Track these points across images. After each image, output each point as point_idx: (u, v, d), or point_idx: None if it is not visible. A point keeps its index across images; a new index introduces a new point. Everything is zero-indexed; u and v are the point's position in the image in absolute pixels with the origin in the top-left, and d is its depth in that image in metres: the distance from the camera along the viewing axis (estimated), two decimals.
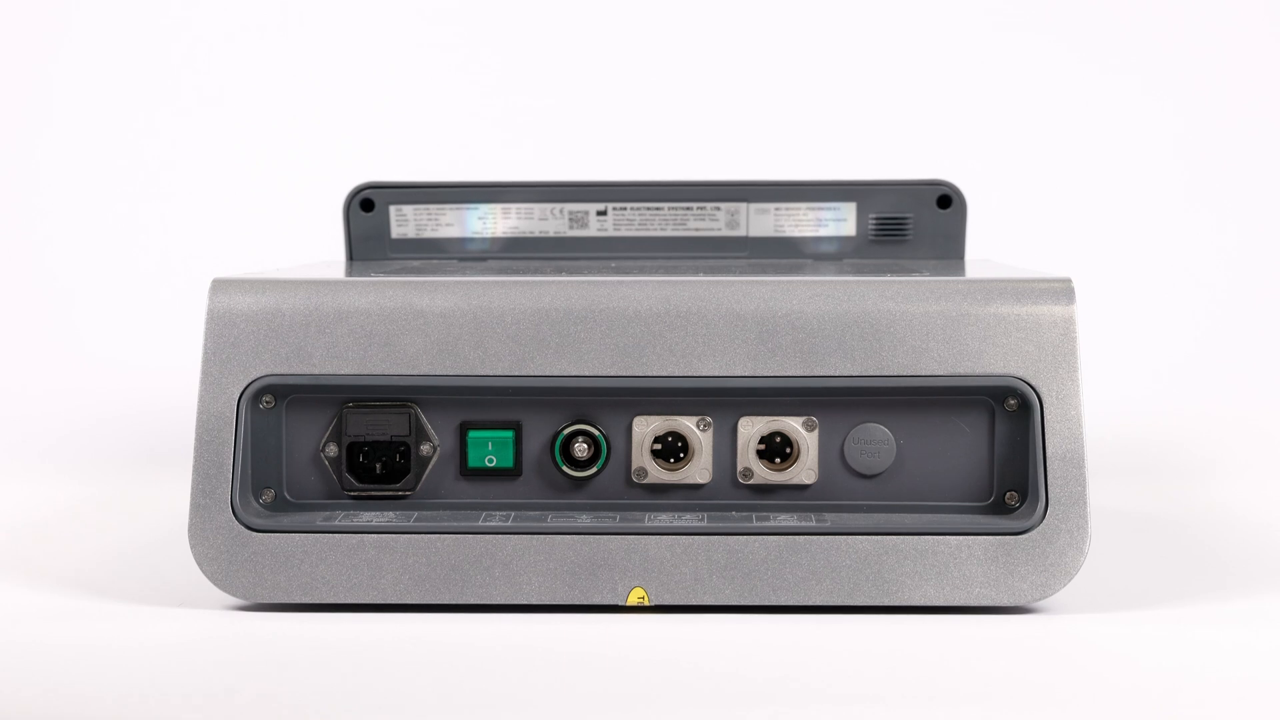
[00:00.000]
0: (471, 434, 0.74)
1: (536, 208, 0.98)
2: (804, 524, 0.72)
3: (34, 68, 1.41)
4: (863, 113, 1.40)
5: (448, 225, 0.99)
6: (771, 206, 0.98)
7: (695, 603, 0.72)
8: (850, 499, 0.74)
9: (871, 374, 0.72)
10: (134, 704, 0.60)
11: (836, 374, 0.72)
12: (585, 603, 0.72)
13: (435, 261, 0.96)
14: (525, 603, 0.72)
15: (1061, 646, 0.67)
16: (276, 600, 0.72)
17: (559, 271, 0.81)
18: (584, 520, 0.72)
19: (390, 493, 0.74)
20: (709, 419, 0.73)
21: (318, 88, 1.42)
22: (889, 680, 0.63)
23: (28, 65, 1.41)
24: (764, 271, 0.81)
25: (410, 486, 0.74)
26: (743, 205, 0.98)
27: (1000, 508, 0.73)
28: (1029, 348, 0.72)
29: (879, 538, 0.71)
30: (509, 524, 0.72)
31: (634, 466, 0.73)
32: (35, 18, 1.41)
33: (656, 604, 0.72)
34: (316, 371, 0.72)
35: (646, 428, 0.73)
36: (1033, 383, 0.72)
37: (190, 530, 0.72)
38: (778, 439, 0.73)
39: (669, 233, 0.98)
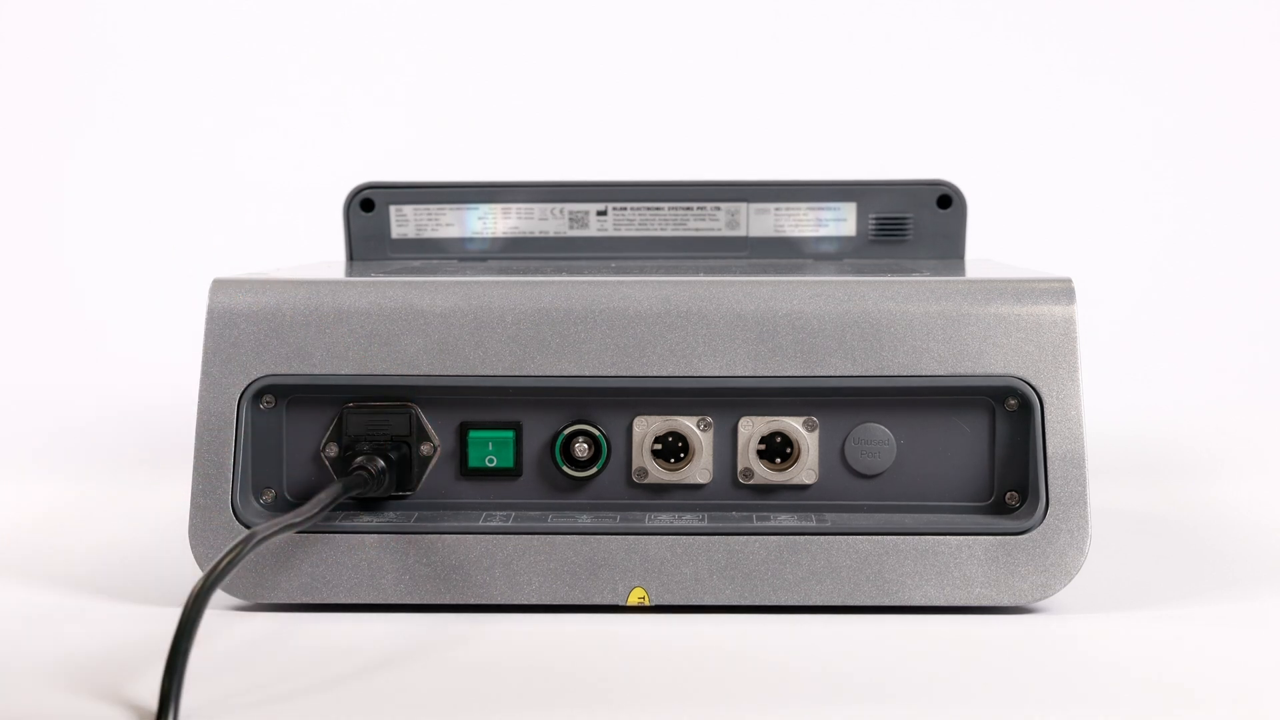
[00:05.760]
0: (471, 434, 0.74)
1: (536, 208, 0.98)
2: (804, 524, 0.72)
3: (34, 71, 1.41)
4: (863, 113, 1.40)
5: (448, 225, 0.98)
6: (771, 206, 0.98)
7: (695, 603, 0.72)
8: (850, 499, 0.74)
9: (871, 374, 0.72)
10: (134, 704, 0.60)
11: (836, 374, 0.72)
12: (585, 603, 0.72)
13: (435, 261, 0.96)
14: (525, 603, 0.72)
15: (1061, 646, 0.67)
16: (276, 600, 0.72)
17: (559, 271, 0.81)
18: (584, 520, 0.72)
19: (390, 493, 0.74)
20: (709, 419, 0.73)
21: (318, 88, 1.42)
22: (889, 680, 0.63)
23: (29, 71, 1.41)
24: (764, 271, 0.81)
25: (410, 486, 0.74)
26: (743, 205, 0.98)
27: (1000, 508, 0.73)
28: (1029, 348, 0.72)
29: (879, 538, 0.71)
30: (509, 524, 0.72)
31: (634, 466, 0.73)
32: (45, 27, 1.41)
33: (656, 604, 0.72)
34: (316, 371, 0.72)
35: (647, 428, 0.73)
36: (1033, 383, 0.72)
37: (190, 530, 0.72)
38: (778, 439, 0.73)
39: (669, 233, 0.98)
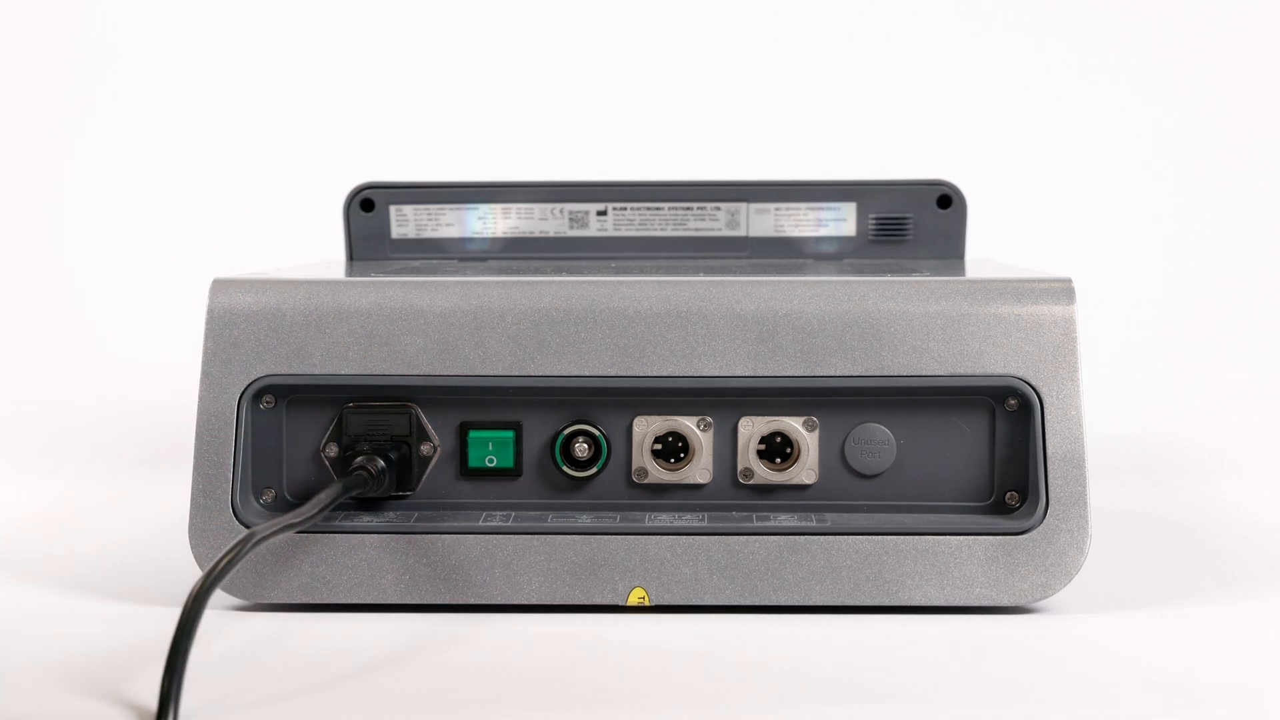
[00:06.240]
0: (471, 434, 0.74)
1: (536, 208, 0.98)
2: (804, 524, 0.72)
3: (34, 71, 1.41)
4: (863, 113, 1.40)
5: (448, 225, 0.99)
6: (771, 206, 0.98)
7: (695, 603, 0.72)
8: (850, 499, 0.74)
9: (871, 374, 0.72)
10: (134, 704, 0.60)
11: (836, 374, 0.72)
12: (585, 603, 0.72)
13: (435, 261, 0.96)
14: (525, 603, 0.72)
15: (1061, 646, 0.67)
16: (276, 600, 0.72)
17: (559, 271, 0.81)
18: (584, 520, 0.72)
19: (390, 493, 0.74)
20: (709, 419, 0.73)
21: (318, 88, 1.42)
22: (889, 680, 0.63)
23: (29, 70, 1.42)
24: (764, 271, 0.81)
25: (410, 486, 0.74)
26: (743, 205, 0.98)
27: (1000, 508, 0.73)
28: (1029, 348, 0.72)
29: (879, 538, 0.71)
30: (509, 524, 0.72)
31: (634, 466, 0.73)
32: (45, 27, 1.41)
33: (656, 604, 0.72)
34: (316, 371, 0.72)
35: (647, 428, 0.73)
36: (1033, 383, 0.72)
37: (190, 530, 0.72)
38: (778, 439, 0.73)
39: (669, 233, 0.98)
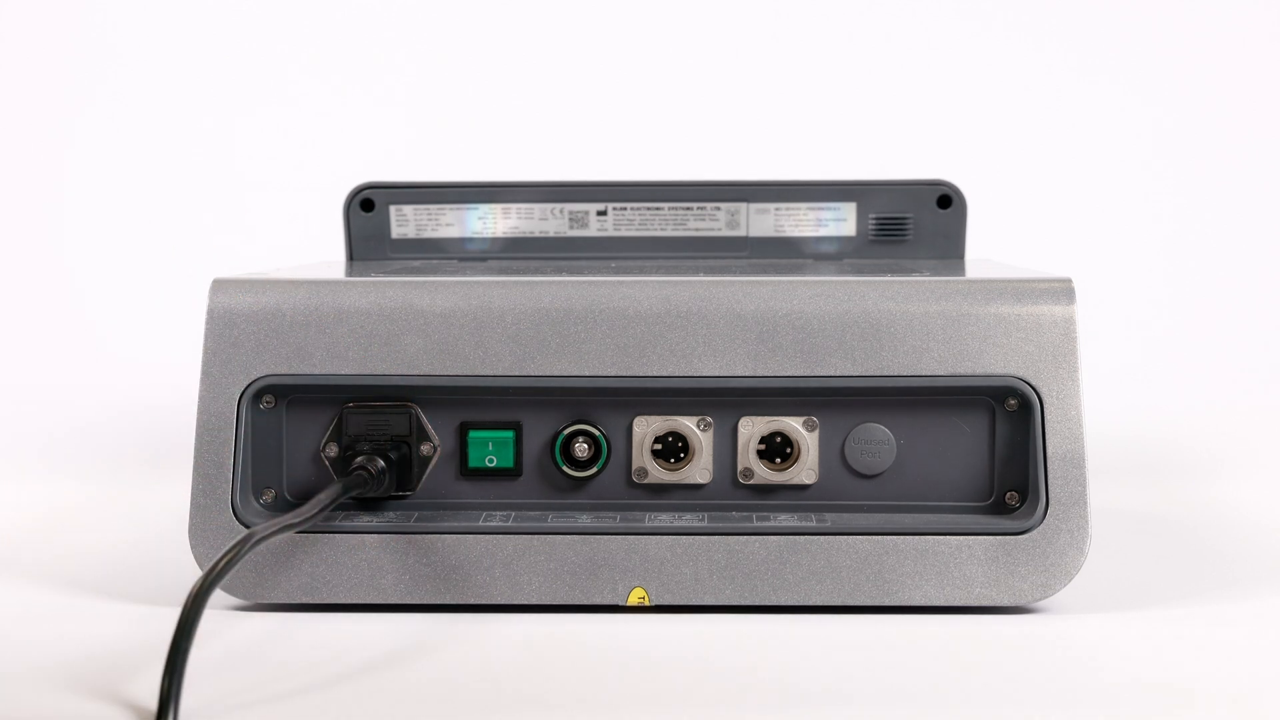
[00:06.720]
0: (471, 434, 0.74)
1: (536, 208, 0.98)
2: (804, 524, 0.72)
3: (34, 71, 1.41)
4: (863, 113, 1.40)
5: (448, 225, 0.99)
6: (771, 206, 0.98)
7: (695, 603, 0.72)
8: (850, 499, 0.74)
9: (871, 374, 0.72)
10: (134, 704, 0.60)
11: (836, 374, 0.72)
12: (585, 603, 0.72)
13: (435, 261, 0.96)
14: (525, 603, 0.72)
15: (1061, 646, 0.67)
16: (276, 600, 0.72)
17: (559, 271, 0.81)
18: (584, 520, 0.72)
19: (390, 493, 0.74)
20: (709, 419, 0.73)
21: (318, 88, 1.42)
22: (889, 680, 0.63)
23: (29, 70, 1.42)
24: (764, 271, 0.81)
25: (410, 486, 0.74)
26: (743, 205, 0.98)
27: (1000, 508, 0.73)
28: (1029, 348, 0.72)
29: (879, 538, 0.71)
30: (509, 524, 0.72)
31: (634, 466, 0.73)
32: (45, 27, 1.41)
33: (656, 604, 0.72)
34: (316, 371, 0.72)
35: (647, 428, 0.73)
36: (1033, 383, 0.72)
37: (190, 530, 0.72)
38: (778, 439, 0.73)
39: (669, 233, 0.98)
